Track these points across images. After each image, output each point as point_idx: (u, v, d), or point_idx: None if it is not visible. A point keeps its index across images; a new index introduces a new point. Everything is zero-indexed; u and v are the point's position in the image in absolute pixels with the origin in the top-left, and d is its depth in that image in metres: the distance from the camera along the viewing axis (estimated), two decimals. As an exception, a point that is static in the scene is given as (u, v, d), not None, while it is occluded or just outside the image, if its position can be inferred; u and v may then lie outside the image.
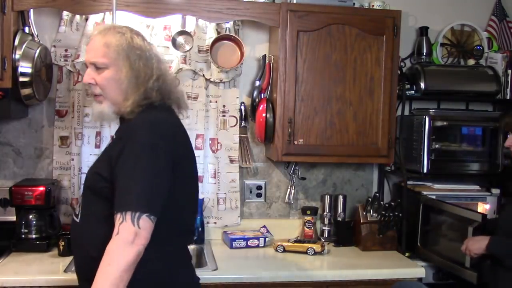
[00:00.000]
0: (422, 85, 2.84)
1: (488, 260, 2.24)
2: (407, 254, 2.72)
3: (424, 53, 2.98)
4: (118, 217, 1.46)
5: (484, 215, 2.37)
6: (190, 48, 2.69)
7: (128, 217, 1.45)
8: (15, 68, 2.38)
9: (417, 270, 2.52)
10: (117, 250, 1.44)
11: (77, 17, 2.66)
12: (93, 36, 1.70)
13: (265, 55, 2.87)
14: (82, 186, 1.73)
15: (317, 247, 2.66)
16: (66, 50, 2.68)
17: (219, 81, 2.81)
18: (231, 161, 2.87)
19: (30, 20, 2.55)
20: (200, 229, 2.77)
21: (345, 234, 2.88)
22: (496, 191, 2.85)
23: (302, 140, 2.67)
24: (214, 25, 2.77)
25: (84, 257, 1.61)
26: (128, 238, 1.44)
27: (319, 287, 2.42)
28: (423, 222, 2.70)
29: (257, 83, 2.85)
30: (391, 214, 2.73)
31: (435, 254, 2.59)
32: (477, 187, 2.89)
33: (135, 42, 1.68)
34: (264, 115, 2.72)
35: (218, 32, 2.78)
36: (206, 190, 2.85)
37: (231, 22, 2.77)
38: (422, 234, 2.70)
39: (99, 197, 1.59)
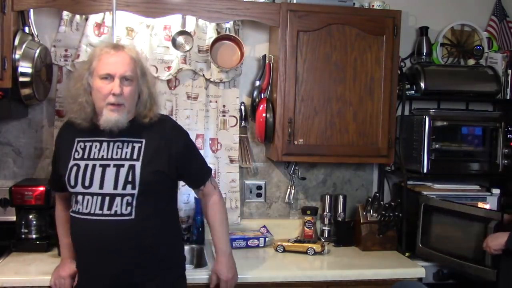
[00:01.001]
0: (422, 85, 2.84)
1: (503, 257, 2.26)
2: (407, 254, 2.72)
3: (424, 53, 2.98)
4: (209, 181, 2.11)
5: (502, 213, 2.39)
6: (190, 48, 2.69)
7: (213, 178, 2.18)
8: (15, 68, 2.37)
9: (417, 270, 2.52)
10: (222, 198, 2.18)
11: (77, 17, 2.66)
12: (115, 52, 1.88)
13: (265, 55, 2.87)
14: (122, 185, 1.86)
15: (317, 247, 2.66)
16: (66, 50, 2.68)
17: (219, 81, 2.81)
18: (231, 161, 2.87)
19: (30, 20, 2.55)
20: (200, 229, 2.76)
21: (345, 234, 2.88)
22: (496, 191, 2.85)
23: (302, 140, 2.67)
24: (214, 25, 2.77)
25: (140, 250, 1.87)
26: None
27: (319, 287, 2.42)
28: (425, 222, 2.69)
29: (257, 83, 2.85)
30: (391, 214, 2.73)
31: (442, 254, 2.57)
32: (477, 187, 2.89)
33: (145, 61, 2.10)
34: (264, 115, 2.72)
35: (218, 32, 2.78)
36: (206, 190, 2.85)
37: (231, 22, 2.77)
38: (424, 234, 2.68)
39: (156, 192, 1.91)
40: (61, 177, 1.94)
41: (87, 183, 1.86)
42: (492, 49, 3.11)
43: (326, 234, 2.94)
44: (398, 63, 2.79)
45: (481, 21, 3.16)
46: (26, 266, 2.30)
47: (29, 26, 2.55)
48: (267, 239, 2.80)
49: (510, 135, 2.85)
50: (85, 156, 1.90)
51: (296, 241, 2.74)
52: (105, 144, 1.90)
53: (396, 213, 2.74)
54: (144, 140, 1.91)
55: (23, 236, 2.50)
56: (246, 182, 2.96)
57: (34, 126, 2.75)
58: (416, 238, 2.70)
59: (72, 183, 1.88)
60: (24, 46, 2.42)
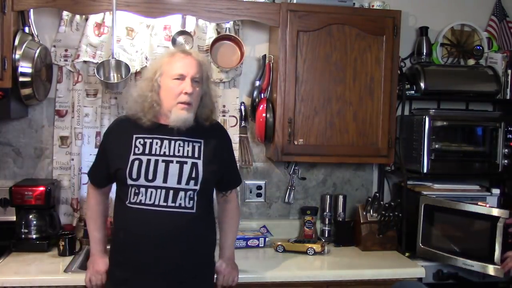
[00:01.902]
0: (422, 85, 2.84)
1: None
2: (407, 254, 2.72)
3: (424, 53, 2.98)
4: (235, 190, 2.27)
5: (510, 211, 2.42)
6: (190, 48, 2.68)
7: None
8: (15, 68, 2.38)
9: (417, 270, 2.52)
10: (239, 207, 2.40)
11: (77, 17, 2.66)
12: (185, 56, 2.02)
13: (265, 55, 2.87)
14: (186, 182, 1.99)
15: (317, 247, 2.66)
16: (66, 50, 2.68)
17: (219, 81, 2.81)
18: (231, 161, 2.86)
19: (30, 20, 2.55)
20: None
21: (345, 234, 2.88)
22: (496, 191, 2.85)
23: (302, 140, 2.67)
24: (214, 25, 2.77)
25: (196, 243, 2.00)
26: None
27: (319, 287, 2.42)
28: (426, 221, 2.69)
29: (257, 83, 2.85)
30: (391, 214, 2.73)
31: (444, 253, 2.59)
32: (477, 187, 2.89)
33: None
34: (264, 115, 2.72)
35: (218, 32, 2.78)
36: (206, 190, 2.85)
37: (231, 22, 2.76)
38: (425, 233, 2.68)
39: (210, 190, 2.09)
40: (117, 171, 2.00)
41: (150, 177, 1.96)
42: (492, 49, 3.11)
43: (326, 234, 2.94)
44: (398, 63, 2.79)
45: (481, 21, 3.16)
46: (26, 266, 2.30)
47: (29, 26, 2.55)
48: (267, 239, 2.80)
49: (510, 135, 2.85)
50: (146, 152, 1.99)
51: (296, 241, 2.74)
52: (166, 142, 2.01)
53: (396, 213, 2.74)
54: (202, 141, 2.04)
55: (23, 236, 2.50)
56: (246, 182, 2.96)
57: (34, 126, 2.75)
58: (416, 238, 2.70)
59: (135, 176, 1.96)
60: (24, 46, 2.42)
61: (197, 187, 1.98)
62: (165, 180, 1.96)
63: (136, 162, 1.97)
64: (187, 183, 1.97)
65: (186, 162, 1.99)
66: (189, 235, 1.98)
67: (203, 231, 2.05)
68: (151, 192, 1.95)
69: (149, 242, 1.94)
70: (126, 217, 2.00)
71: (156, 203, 1.95)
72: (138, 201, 1.96)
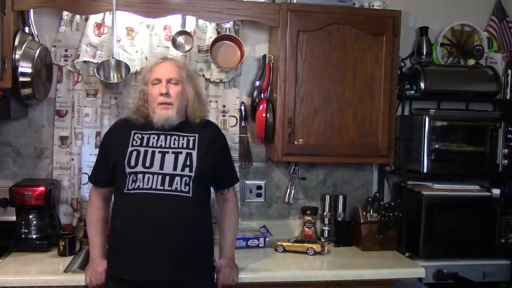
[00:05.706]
0: (422, 85, 2.84)
1: None
2: (407, 254, 2.72)
3: (424, 53, 2.98)
4: (233, 187, 2.32)
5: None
6: (190, 48, 2.69)
7: (235, 188, 2.37)
8: (15, 68, 2.38)
9: (417, 270, 2.52)
10: (238, 207, 2.40)
11: (77, 17, 2.66)
12: (162, 61, 2.19)
13: (265, 55, 2.87)
14: (187, 175, 2.09)
15: (317, 247, 2.66)
16: (66, 50, 2.68)
17: (219, 81, 2.81)
18: (231, 161, 2.86)
19: (30, 20, 2.55)
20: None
21: (345, 234, 2.88)
22: (496, 191, 2.85)
23: (302, 140, 2.67)
24: (214, 25, 2.77)
25: (193, 229, 2.05)
26: None
27: (319, 287, 2.42)
28: (427, 220, 2.69)
29: (257, 83, 2.85)
30: (391, 214, 2.74)
31: (448, 251, 2.60)
32: (477, 187, 2.89)
33: (195, 68, 2.49)
34: (264, 115, 2.72)
35: (218, 32, 2.78)
36: (206, 190, 2.85)
37: (231, 22, 2.76)
38: (427, 233, 2.69)
39: (206, 180, 2.15)
40: (116, 163, 2.10)
41: (147, 164, 2.06)
42: (492, 49, 3.11)
43: (326, 234, 2.94)
44: (398, 63, 2.79)
45: (481, 21, 3.16)
46: (26, 266, 2.30)
47: (29, 26, 2.55)
48: (267, 239, 2.80)
49: (510, 135, 2.86)
50: (144, 144, 2.12)
51: (296, 241, 2.74)
52: (162, 136, 2.13)
53: (396, 213, 2.74)
54: (196, 135, 2.16)
55: (23, 236, 2.50)
56: (246, 182, 2.96)
57: (34, 126, 2.75)
58: (419, 237, 2.70)
59: (132, 163, 2.06)
60: (24, 46, 2.42)
61: (192, 174, 2.07)
62: (161, 167, 2.06)
63: (134, 153, 2.09)
64: (182, 169, 2.07)
65: (181, 152, 2.10)
66: (185, 217, 2.04)
67: (200, 215, 2.11)
68: (148, 177, 2.04)
69: (146, 225, 2.00)
70: (123, 204, 2.07)
71: (153, 187, 2.03)
72: (136, 186, 2.04)
